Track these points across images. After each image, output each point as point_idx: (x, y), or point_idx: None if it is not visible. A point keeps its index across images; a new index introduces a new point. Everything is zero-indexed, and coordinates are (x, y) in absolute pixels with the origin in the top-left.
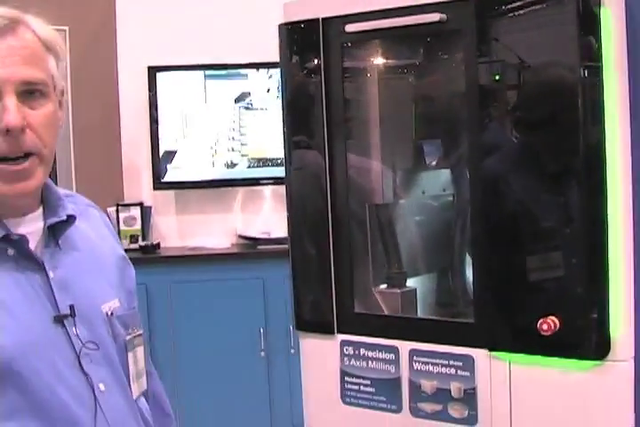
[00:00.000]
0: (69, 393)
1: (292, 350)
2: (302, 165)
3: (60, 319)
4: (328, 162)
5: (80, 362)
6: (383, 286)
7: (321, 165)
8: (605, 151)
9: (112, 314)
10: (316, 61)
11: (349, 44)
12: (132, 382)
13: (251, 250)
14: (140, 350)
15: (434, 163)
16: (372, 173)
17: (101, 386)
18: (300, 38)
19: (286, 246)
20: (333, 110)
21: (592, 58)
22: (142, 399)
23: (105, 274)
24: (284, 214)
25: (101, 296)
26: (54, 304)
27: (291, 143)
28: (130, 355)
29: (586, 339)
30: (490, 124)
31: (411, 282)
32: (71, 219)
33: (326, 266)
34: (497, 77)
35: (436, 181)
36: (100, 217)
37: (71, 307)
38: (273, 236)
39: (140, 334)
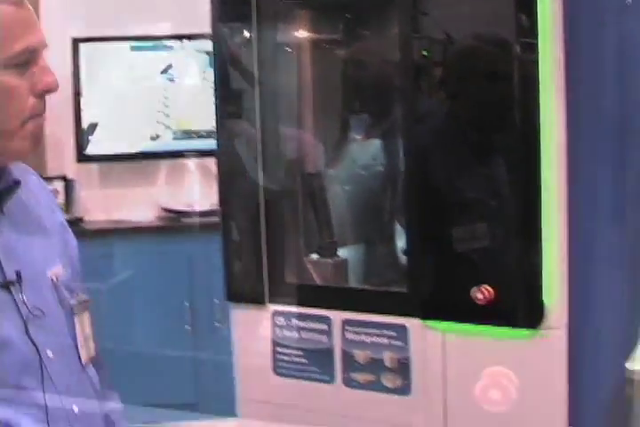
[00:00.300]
0: (18, 360)
1: (218, 324)
2: (234, 135)
3: (6, 285)
4: (260, 132)
5: (27, 328)
6: (314, 256)
7: (253, 136)
8: (540, 124)
9: (57, 279)
10: (248, 31)
11: (283, 14)
12: (80, 348)
13: (175, 223)
14: (87, 316)
15: (364, 134)
16: (303, 143)
17: (49, 353)
18: (232, 7)
19: (211, 219)
20: (265, 81)
21: (527, 34)
22: (91, 367)
23: (47, 240)
24: (209, 187)
25: (46, 262)
26: (0, 270)
27: (222, 114)
28: (77, 319)
29: (520, 307)
30: (423, 97)
31: (342, 252)
32: (16, 185)
33: (257, 236)
34: (430, 52)
35: (367, 151)
36: (39, 183)
37: (17, 273)
38: (197, 209)
39: (85, 300)
